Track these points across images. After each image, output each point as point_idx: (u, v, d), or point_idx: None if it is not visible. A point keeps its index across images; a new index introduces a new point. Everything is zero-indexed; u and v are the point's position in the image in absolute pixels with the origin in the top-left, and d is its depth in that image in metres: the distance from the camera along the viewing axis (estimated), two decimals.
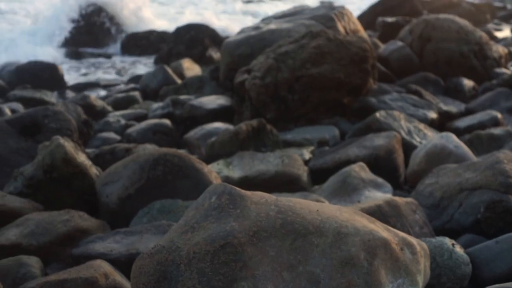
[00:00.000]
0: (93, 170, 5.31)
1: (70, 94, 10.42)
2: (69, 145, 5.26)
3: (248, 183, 5.31)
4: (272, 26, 9.44)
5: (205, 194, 3.17)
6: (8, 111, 8.45)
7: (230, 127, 7.08)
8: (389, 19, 11.87)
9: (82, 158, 5.30)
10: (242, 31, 10.01)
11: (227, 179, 5.33)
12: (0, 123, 6.33)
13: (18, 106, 9.20)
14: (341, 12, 9.76)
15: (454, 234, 4.26)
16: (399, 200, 4.25)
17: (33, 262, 4.04)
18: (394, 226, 3.83)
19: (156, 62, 12.95)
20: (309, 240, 2.90)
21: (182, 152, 5.13)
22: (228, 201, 3.05)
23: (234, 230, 2.87)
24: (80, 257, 4.05)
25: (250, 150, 6.19)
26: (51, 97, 10.02)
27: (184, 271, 2.85)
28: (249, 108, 7.34)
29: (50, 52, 13.79)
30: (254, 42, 9.00)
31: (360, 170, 5.24)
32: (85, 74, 11.99)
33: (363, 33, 9.82)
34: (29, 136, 6.26)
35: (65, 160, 5.10)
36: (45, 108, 6.66)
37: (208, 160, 6.02)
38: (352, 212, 3.17)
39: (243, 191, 3.11)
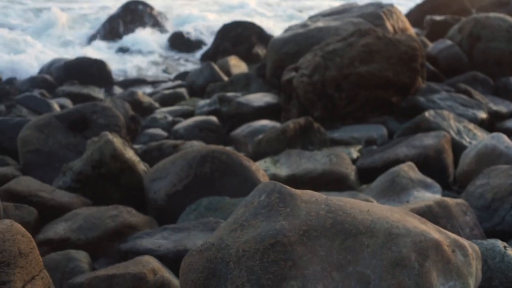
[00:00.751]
0: (141, 166, 5.33)
1: (117, 90, 10.48)
2: (117, 141, 5.29)
3: (295, 181, 5.28)
4: (320, 24, 9.40)
5: (255, 192, 3.15)
6: (56, 107, 8.54)
7: (277, 124, 7.06)
8: (437, 18, 11.73)
9: (130, 154, 5.33)
10: (289, 28, 9.98)
11: (274, 177, 5.31)
12: (50, 118, 6.39)
13: (66, 102, 9.30)
14: (390, 10, 9.68)
15: (505, 236, 4.19)
16: (450, 201, 4.19)
17: (82, 257, 4.07)
18: (444, 228, 3.78)
19: (202, 59, 12.99)
20: (360, 240, 2.87)
21: (229, 149, 5.12)
22: (278, 199, 3.03)
23: (284, 229, 2.85)
24: (128, 252, 4.07)
25: (297, 148, 6.16)
26: (98, 93, 10.12)
27: (233, 269, 2.84)
28: (296, 106, 7.31)
29: (98, 47, 13.95)
30: (301, 40, 8.97)
31: (409, 170, 5.18)
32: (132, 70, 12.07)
33: (412, 32, 9.73)
34: (77, 132, 6.32)
35: (113, 156, 5.13)
36: (93, 104, 6.71)
37: (255, 157, 6.00)
38: (403, 213, 3.13)
39: (293, 189, 3.09)
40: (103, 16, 16.87)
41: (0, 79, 10.91)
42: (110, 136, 5.25)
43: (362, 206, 3.06)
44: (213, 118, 7.67)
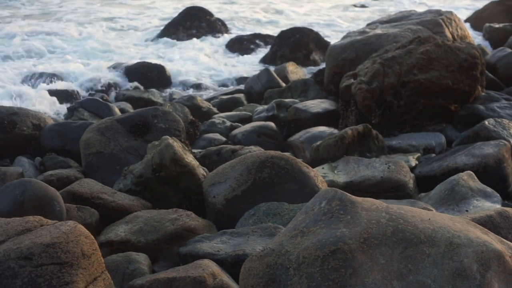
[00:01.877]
0: (200, 170, 5.39)
1: (176, 94, 10.59)
2: (177, 145, 5.36)
3: (353, 188, 5.28)
4: (378, 31, 9.37)
5: (315, 198, 3.18)
6: (117, 110, 8.67)
7: (334, 131, 7.06)
8: (496, 25, 11.58)
9: (189, 158, 5.39)
10: (347, 35, 9.97)
11: (332, 184, 5.32)
12: (111, 122, 6.51)
13: (127, 106, 9.44)
14: (449, 17, 9.60)
15: None
16: (511, 211, 4.15)
17: (142, 259, 4.14)
18: (505, 238, 3.74)
19: (261, 62, 13.03)
20: (421, 249, 2.87)
21: (288, 155, 5.14)
22: (338, 206, 3.05)
23: (344, 236, 2.86)
24: (187, 256, 4.12)
25: (355, 155, 6.16)
26: (159, 97, 10.24)
27: (293, 275, 2.86)
28: (354, 113, 7.30)
29: (158, 52, 14.12)
30: (360, 47, 8.95)
31: (469, 179, 5.14)
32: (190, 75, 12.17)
33: (471, 39, 9.63)
34: (138, 135, 6.41)
35: (173, 160, 5.20)
36: (154, 108, 6.81)
37: (313, 163, 6.02)
38: (465, 222, 3.12)
39: (353, 197, 3.11)
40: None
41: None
42: (171, 140, 5.33)
43: (423, 214, 3.06)
44: (271, 124, 7.70)
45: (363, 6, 20.52)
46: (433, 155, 6.42)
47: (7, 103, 9.49)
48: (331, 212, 3.03)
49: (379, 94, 7.16)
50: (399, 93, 7.15)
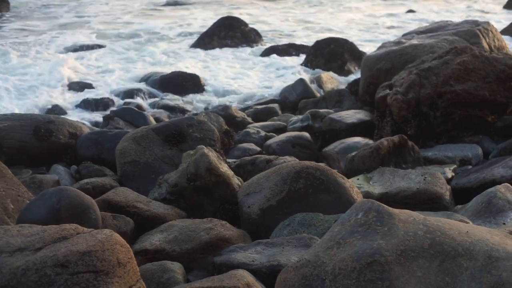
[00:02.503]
0: (235, 180, 5.39)
1: (211, 103, 10.62)
2: (212, 154, 5.37)
3: (389, 199, 5.24)
4: (414, 41, 9.32)
5: (352, 210, 3.16)
6: (152, 119, 8.72)
7: (370, 142, 7.03)
8: None
9: (224, 168, 5.39)
10: (382, 46, 9.93)
11: (367, 195, 5.29)
12: (147, 131, 6.54)
13: (162, 115, 9.49)
14: (486, 28, 9.52)
15: None
16: None
17: (177, 268, 4.14)
18: None
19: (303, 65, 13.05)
20: (458, 262, 2.83)
21: (324, 165, 5.12)
22: (375, 218, 3.02)
23: (381, 248, 2.84)
24: (221, 265, 4.11)
25: (390, 166, 6.12)
26: (193, 106, 10.29)
27: (329, 286, 2.84)
28: (390, 124, 7.26)
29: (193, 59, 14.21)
30: (395, 57, 8.90)
31: (506, 191, 5.07)
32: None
33: (509, 50, 9.53)
34: (173, 144, 6.43)
35: (208, 169, 5.20)
36: (189, 117, 6.83)
37: (348, 174, 5.99)
38: (503, 235, 3.08)
39: (390, 208, 3.08)
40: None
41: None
42: (206, 149, 5.33)
43: (461, 227, 3.03)
44: (306, 134, 7.68)
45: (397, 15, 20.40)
46: (470, 167, 6.36)
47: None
48: (367, 224, 3.01)
49: (415, 105, 7.12)
50: (435, 104, 7.10)
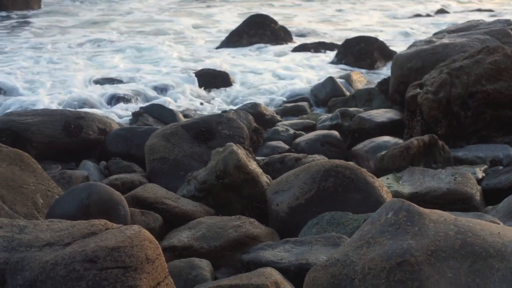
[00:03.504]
0: (264, 178, 5.37)
1: (239, 101, 10.63)
2: (241, 152, 5.36)
3: (418, 199, 5.20)
4: (445, 40, 9.24)
5: (382, 209, 3.13)
6: (181, 116, 8.73)
7: (399, 141, 6.98)
8: None
9: (253, 165, 5.39)
10: (413, 44, 9.86)
11: (396, 194, 5.25)
12: (176, 128, 6.55)
13: (191, 112, 9.51)
14: None
15: None
16: None
17: (204, 265, 4.14)
18: None
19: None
20: (489, 263, 2.80)
21: (353, 164, 5.09)
22: (405, 217, 3.00)
23: (411, 248, 2.81)
24: (249, 263, 4.10)
25: (420, 165, 6.07)
26: (221, 103, 10.31)
27: (358, 286, 2.82)
28: (420, 123, 7.21)
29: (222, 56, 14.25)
30: (426, 56, 8.84)
31: None
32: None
33: None
34: (202, 142, 6.44)
35: (237, 167, 5.20)
36: (219, 115, 6.84)
37: (377, 173, 5.95)
38: None
39: (421, 208, 3.05)
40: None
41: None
42: (235, 147, 5.33)
43: (492, 228, 2.99)
44: (335, 133, 7.65)
45: (428, 15, 20.25)
46: (501, 167, 6.29)
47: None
48: (398, 223, 2.98)
49: (445, 104, 7.06)
50: (466, 104, 7.03)
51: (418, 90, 7.44)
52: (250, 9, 21.82)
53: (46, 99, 10.39)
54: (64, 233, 3.39)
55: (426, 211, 3.04)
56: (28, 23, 19.12)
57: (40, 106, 9.52)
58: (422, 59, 8.79)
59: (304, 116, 9.41)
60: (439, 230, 2.90)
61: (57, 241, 3.30)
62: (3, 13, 20.10)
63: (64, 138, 7.05)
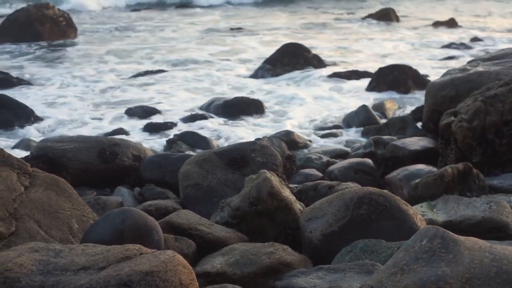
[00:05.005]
0: (297, 205, 5.38)
1: (273, 128, 10.66)
2: (275, 179, 5.37)
3: (453, 227, 5.14)
4: (480, 68, 9.21)
5: (416, 236, 3.12)
6: (214, 144, 8.79)
7: (433, 169, 6.95)
8: None
9: (286, 192, 5.39)
10: (447, 73, 9.84)
11: (431, 222, 5.21)
12: (209, 155, 6.59)
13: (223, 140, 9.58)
14: None
15: None
16: None
17: None
18: None
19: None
20: None
21: (387, 192, 5.08)
22: (440, 244, 2.98)
23: (446, 275, 2.80)
24: None
25: (454, 194, 6.03)
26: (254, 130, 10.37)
27: None
28: (454, 151, 7.17)
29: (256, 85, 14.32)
30: (460, 84, 8.80)
31: None
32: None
33: None
34: (236, 169, 6.47)
35: (270, 194, 5.21)
36: (252, 142, 6.87)
37: (411, 201, 5.91)
38: None
39: (455, 235, 3.04)
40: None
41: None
42: (268, 174, 5.34)
43: None
44: (368, 161, 7.64)
45: (462, 44, 20.18)
46: None
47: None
48: (432, 250, 2.97)
49: (480, 132, 7.02)
50: (501, 132, 6.99)
51: (452, 118, 7.42)
52: (282, 40, 21.93)
53: (85, 126, 10.60)
54: (99, 257, 3.43)
55: (461, 238, 3.03)
56: (67, 52, 19.42)
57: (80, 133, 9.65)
58: (456, 87, 8.76)
59: (337, 144, 9.42)
60: (474, 257, 2.89)
61: (92, 265, 3.33)
62: (43, 43, 20.42)
63: (99, 165, 7.13)
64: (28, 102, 11.92)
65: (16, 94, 12.81)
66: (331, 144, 9.51)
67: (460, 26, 25.11)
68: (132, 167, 7.26)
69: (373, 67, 15.22)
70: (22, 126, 10.68)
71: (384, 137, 8.59)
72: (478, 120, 7.06)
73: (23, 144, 9.09)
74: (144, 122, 10.84)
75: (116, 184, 7.03)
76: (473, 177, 6.27)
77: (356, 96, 13.16)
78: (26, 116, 10.94)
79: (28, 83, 14.33)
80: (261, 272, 4.47)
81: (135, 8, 31.53)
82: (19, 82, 14.14)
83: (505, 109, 7.05)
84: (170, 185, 6.85)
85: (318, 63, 15.99)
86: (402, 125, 9.40)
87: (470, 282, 2.79)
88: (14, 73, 15.06)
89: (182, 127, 10.57)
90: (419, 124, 9.41)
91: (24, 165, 5.01)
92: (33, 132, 10.43)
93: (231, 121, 11.03)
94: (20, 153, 8.08)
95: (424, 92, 9.95)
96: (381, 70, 13.53)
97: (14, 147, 9.06)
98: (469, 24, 25.66)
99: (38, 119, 11.11)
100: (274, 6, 32.61)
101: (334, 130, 10.21)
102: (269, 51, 17.24)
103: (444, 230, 3.06)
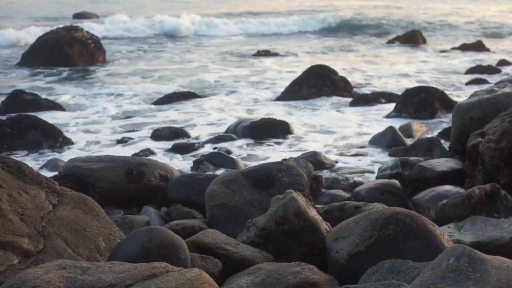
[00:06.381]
0: (323, 225, 5.37)
1: (299, 149, 10.66)
2: (301, 199, 5.37)
3: (480, 248, 5.08)
4: (507, 89, 9.17)
5: (443, 255, 3.11)
6: (241, 164, 8.81)
7: (461, 190, 6.91)
8: None
9: (313, 212, 5.39)
10: (474, 94, 9.80)
11: (458, 243, 5.17)
12: (236, 174, 6.61)
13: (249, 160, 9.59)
14: None
15: None
16: None
17: None
18: None
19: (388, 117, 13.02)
20: None
21: (414, 212, 5.05)
22: (467, 263, 2.97)
23: None
24: None
25: (482, 215, 5.99)
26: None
27: None
28: (482, 172, 7.13)
29: (282, 107, 14.37)
30: (487, 106, 8.77)
31: None
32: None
33: None
34: (262, 189, 6.48)
35: (297, 214, 5.21)
36: (279, 162, 6.88)
37: (438, 222, 5.88)
38: None
39: (483, 254, 3.02)
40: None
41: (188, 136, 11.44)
42: (295, 194, 5.35)
43: None
44: (395, 182, 7.61)
45: (490, 66, 20.09)
46: None
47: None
48: (459, 269, 2.95)
49: (508, 153, 6.98)
50: None
51: (480, 139, 7.39)
52: (306, 60, 22.00)
53: (113, 147, 10.70)
54: (126, 275, 3.45)
55: (488, 257, 3.01)
56: (95, 74, 19.64)
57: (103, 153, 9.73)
58: (484, 109, 8.73)
59: (364, 165, 9.41)
60: (502, 277, 2.87)
61: (118, 282, 3.35)
62: (72, 65, 20.64)
63: (126, 184, 7.18)
64: (56, 123, 12.05)
65: (44, 115, 12.96)
66: (357, 165, 9.49)
67: (488, 49, 25.06)
68: (159, 187, 7.30)
69: (399, 89, 15.23)
70: (50, 147, 10.79)
71: (411, 158, 8.56)
72: (505, 141, 7.01)
73: (51, 164, 9.18)
74: (171, 143, 10.92)
75: (143, 203, 7.07)
76: (500, 198, 6.23)
77: (383, 117, 13.15)
78: (55, 136, 11.05)
79: (56, 104, 14.48)
80: None
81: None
82: (48, 103, 14.29)
83: None
84: (196, 205, 6.88)
85: (345, 85, 15.98)
86: (429, 146, 9.37)
87: None
88: (43, 95, 15.22)
89: (209, 148, 10.62)
90: (446, 146, 9.37)
91: (53, 183, 5.06)
92: (61, 152, 10.53)
93: (257, 142, 11.04)
94: (48, 173, 8.16)
95: (450, 114, 9.92)
96: (408, 91, 13.52)
97: (42, 167, 9.15)
98: (495, 48, 25.61)
99: (66, 139, 11.22)
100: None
101: (360, 151, 10.20)
102: (295, 73, 17.31)
103: (471, 249, 3.04)
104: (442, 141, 9.58)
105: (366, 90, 16.45)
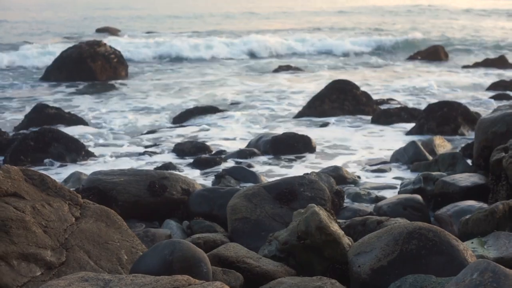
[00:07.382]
0: (345, 240, 5.35)
1: (321, 164, 10.64)
2: (323, 213, 5.36)
3: (504, 264, 5.04)
4: None
5: (467, 270, 3.09)
6: (263, 178, 8.81)
7: (484, 205, 6.86)
8: None
9: (335, 227, 5.37)
10: (497, 108, 9.74)
11: (481, 258, 5.13)
12: (258, 189, 6.61)
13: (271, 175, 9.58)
14: None
15: None
16: None
17: None
18: None
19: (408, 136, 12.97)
20: None
21: (437, 227, 5.02)
22: (491, 278, 2.94)
23: None
24: None
25: (506, 230, 5.94)
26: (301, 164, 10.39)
27: None
28: (505, 187, 7.07)
29: (304, 123, 14.37)
30: (511, 120, 8.70)
31: None
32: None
33: None
34: (284, 203, 6.47)
35: (319, 228, 5.20)
36: (301, 177, 6.87)
37: (461, 238, 5.84)
38: None
39: (507, 269, 3.00)
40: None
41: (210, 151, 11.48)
42: (317, 208, 5.33)
43: None
44: (418, 197, 7.57)
45: None
46: None
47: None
48: (483, 284, 2.93)
49: None
50: None
51: (503, 154, 7.33)
52: (326, 75, 22.02)
53: (135, 161, 10.77)
54: (148, 287, 3.45)
55: None
56: (117, 88, 19.78)
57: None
58: (507, 123, 8.66)
59: (386, 180, 9.38)
60: None
61: None
62: (95, 79, 20.81)
63: (148, 198, 7.19)
64: (79, 137, 12.14)
65: (67, 129, 13.05)
66: (380, 180, 9.46)
67: (511, 65, 24.94)
68: (181, 201, 7.31)
69: (421, 104, 15.18)
70: (73, 160, 10.86)
71: (434, 173, 8.51)
72: None
73: (74, 177, 9.22)
74: (193, 157, 10.94)
75: (165, 217, 7.08)
76: None
77: (405, 132, 13.11)
78: (77, 150, 11.12)
79: (79, 118, 14.58)
80: None
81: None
82: (71, 117, 14.39)
83: None
84: (218, 219, 6.88)
85: (367, 100, 15.95)
86: (452, 162, 9.31)
87: None
88: (66, 108, 15.33)
89: (231, 163, 10.63)
90: (469, 161, 9.32)
91: (76, 196, 5.08)
92: (84, 166, 10.60)
93: (279, 157, 11.04)
94: (71, 186, 8.21)
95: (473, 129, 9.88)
96: (430, 106, 13.46)
97: (65, 180, 9.20)
98: None
99: (89, 153, 11.29)
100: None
101: (382, 166, 10.16)
102: (316, 88, 17.34)
103: (495, 264, 3.01)
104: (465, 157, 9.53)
105: (387, 106, 16.41)
